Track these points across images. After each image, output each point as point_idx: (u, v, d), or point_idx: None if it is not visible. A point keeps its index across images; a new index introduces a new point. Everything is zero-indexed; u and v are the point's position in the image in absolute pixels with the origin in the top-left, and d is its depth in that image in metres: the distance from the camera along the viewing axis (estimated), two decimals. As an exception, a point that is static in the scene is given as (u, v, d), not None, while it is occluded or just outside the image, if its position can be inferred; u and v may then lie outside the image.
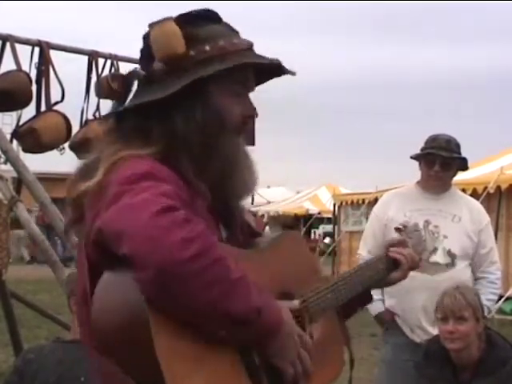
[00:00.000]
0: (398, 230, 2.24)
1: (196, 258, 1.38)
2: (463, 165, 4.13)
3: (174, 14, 1.71)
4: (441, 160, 4.01)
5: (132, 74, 1.69)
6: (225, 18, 1.71)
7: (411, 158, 4.14)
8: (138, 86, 1.67)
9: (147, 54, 1.66)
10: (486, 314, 3.85)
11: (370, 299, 2.11)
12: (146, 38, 1.67)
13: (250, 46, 1.68)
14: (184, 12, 1.67)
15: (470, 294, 3.43)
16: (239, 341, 1.49)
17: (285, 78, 1.76)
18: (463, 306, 3.35)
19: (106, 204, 1.46)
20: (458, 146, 4.08)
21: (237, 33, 1.69)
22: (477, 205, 4.32)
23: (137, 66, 1.74)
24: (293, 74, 1.73)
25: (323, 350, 1.75)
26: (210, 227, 1.55)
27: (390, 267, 2.06)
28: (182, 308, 1.41)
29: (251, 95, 1.72)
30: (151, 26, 1.63)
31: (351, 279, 1.90)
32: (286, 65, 1.71)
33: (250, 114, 1.71)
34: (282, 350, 1.53)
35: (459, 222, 4.08)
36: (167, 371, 1.37)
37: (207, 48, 1.62)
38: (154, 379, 1.38)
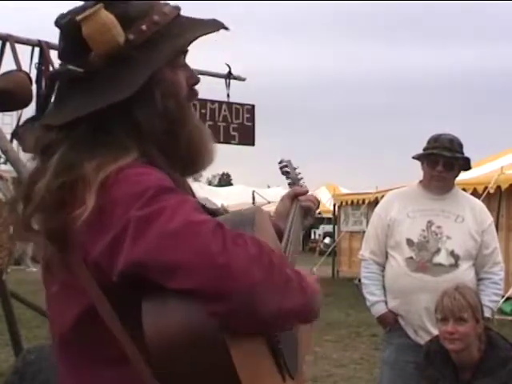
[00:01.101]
0: (284, 173, 2.20)
1: (266, 275, 1.33)
2: (466, 165, 4.11)
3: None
4: (444, 160, 3.99)
5: (64, 72, 1.51)
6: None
7: (413, 158, 4.12)
8: (71, 84, 1.51)
9: (79, 47, 1.49)
10: (488, 315, 3.86)
11: None
12: (73, 30, 1.49)
13: (179, 12, 1.57)
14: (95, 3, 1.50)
15: (469, 294, 3.43)
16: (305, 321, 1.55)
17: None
18: (463, 307, 3.34)
19: (134, 232, 1.31)
20: (460, 145, 4.05)
21: None
22: (480, 205, 4.29)
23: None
24: (227, 28, 1.61)
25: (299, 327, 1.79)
26: None
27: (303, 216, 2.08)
28: (258, 326, 1.37)
29: None
30: (82, 20, 1.46)
31: (294, 237, 1.90)
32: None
33: (196, 81, 1.62)
34: (317, 314, 1.55)
35: (462, 223, 4.07)
36: None
37: (144, 28, 1.50)
38: None
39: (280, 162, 2.19)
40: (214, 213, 1.63)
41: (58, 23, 1.55)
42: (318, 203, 2.12)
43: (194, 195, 1.65)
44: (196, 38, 1.54)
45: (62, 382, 1.56)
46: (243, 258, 1.30)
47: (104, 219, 1.36)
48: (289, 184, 2.16)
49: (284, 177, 2.18)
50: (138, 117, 1.50)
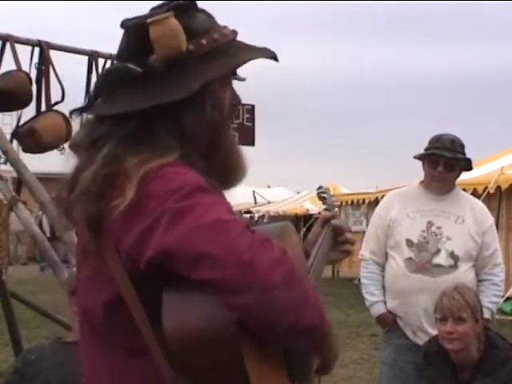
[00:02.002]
0: (321, 198, 2.24)
1: (286, 280, 1.40)
2: (467, 165, 4.10)
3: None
4: (444, 161, 3.98)
5: (123, 70, 1.59)
6: (225, 18, 1.72)
7: (415, 158, 4.11)
8: (126, 82, 1.59)
9: (143, 48, 1.58)
10: (488, 316, 3.85)
11: None
12: (140, 32, 1.59)
13: (235, 35, 1.68)
14: (175, 1, 1.62)
15: (468, 294, 3.42)
16: (316, 345, 1.56)
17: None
18: (462, 307, 3.34)
19: (167, 222, 1.41)
20: (462, 146, 4.04)
21: (215, 19, 1.69)
22: (480, 206, 4.28)
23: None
24: (277, 60, 1.72)
25: None
26: None
27: (334, 241, 2.07)
28: (273, 328, 1.42)
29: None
30: (152, 23, 1.57)
31: (320, 258, 1.93)
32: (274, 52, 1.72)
33: (238, 102, 1.73)
34: (336, 344, 1.62)
35: (462, 224, 4.06)
36: None
37: (204, 42, 1.61)
38: None
39: (318, 188, 2.25)
40: None
41: (123, 25, 1.65)
42: (347, 229, 2.12)
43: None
44: (248, 61, 1.66)
45: (87, 367, 1.65)
46: (267, 259, 1.38)
47: (139, 211, 1.44)
48: (324, 209, 2.21)
49: (321, 202, 2.23)
50: (185, 121, 1.59)
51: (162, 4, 1.64)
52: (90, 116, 1.66)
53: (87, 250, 1.57)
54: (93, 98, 1.66)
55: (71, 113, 1.75)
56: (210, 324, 1.39)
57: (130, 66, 1.59)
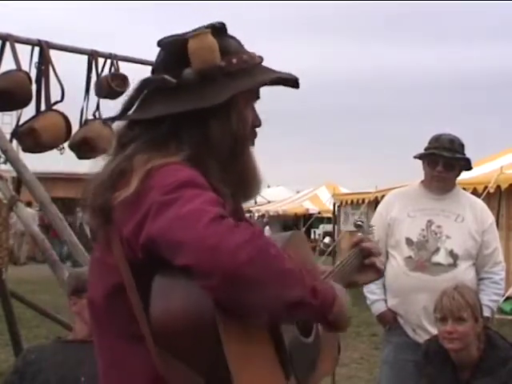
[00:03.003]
0: (357, 226, 2.29)
1: (255, 258, 1.47)
2: (467, 165, 4.11)
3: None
4: (444, 160, 3.99)
5: (159, 81, 1.73)
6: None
7: (415, 157, 4.11)
8: (159, 92, 1.73)
9: (179, 62, 1.73)
10: (488, 314, 3.85)
11: None
12: (180, 46, 1.73)
13: (262, 60, 1.82)
14: (210, 24, 1.76)
15: (468, 293, 3.42)
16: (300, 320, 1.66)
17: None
18: (462, 307, 3.34)
19: (153, 212, 1.53)
20: (461, 146, 4.05)
21: (243, 45, 1.84)
22: (481, 205, 4.28)
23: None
24: (297, 87, 1.87)
25: (326, 341, 1.90)
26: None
27: (361, 263, 2.12)
28: (249, 307, 1.51)
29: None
30: (192, 37, 1.71)
31: (336, 274, 1.98)
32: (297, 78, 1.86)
33: (259, 124, 1.84)
34: (336, 322, 1.64)
35: (462, 222, 4.06)
36: (237, 375, 1.51)
37: (234, 60, 1.75)
38: (220, 378, 1.51)
39: (358, 219, 2.34)
40: None
41: (161, 42, 1.79)
42: (379, 253, 2.18)
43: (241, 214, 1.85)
44: (272, 79, 1.80)
45: (95, 351, 1.76)
46: (233, 242, 1.46)
47: (139, 202, 1.57)
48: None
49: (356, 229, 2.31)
50: (211, 128, 1.72)
51: (197, 28, 1.77)
52: (122, 123, 1.79)
53: (96, 235, 1.72)
54: (127, 106, 1.78)
55: (105, 120, 1.86)
56: (191, 307, 1.50)
57: (166, 77, 1.72)
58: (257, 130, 1.85)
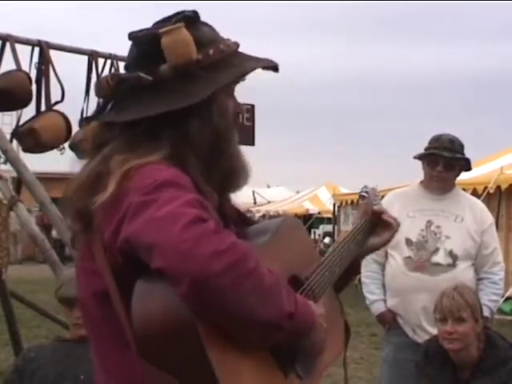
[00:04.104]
0: (362, 197, 2.26)
1: (228, 270, 1.40)
2: (467, 165, 4.11)
3: (171, 13, 1.73)
4: (443, 160, 4.00)
5: (134, 78, 1.66)
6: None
7: (414, 157, 4.12)
8: (136, 90, 1.66)
9: (153, 58, 1.65)
10: (488, 314, 3.86)
11: (358, 269, 2.19)
12: (152, 41, 1.65)
13: (238, 47, 1.76)
14: (182, 13, 1.68)
15: (468, 294, 3.42)
16: (273, 343, 1.54)
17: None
18: (462, 307, 3.34)
19: (130, 214, 1.48)
20: (461, 146, 4.06)
21: (217, 31, 1.77)
22: (480, 205, 4.29)
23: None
24: (277, 70, 1.79)
25: (328, 327, 1.79)
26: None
27: (369, 233, 2.13)
28: (217, 318, 1.45)
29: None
30: (165, 32, 1.64)
31: (341, 252, 1.95)
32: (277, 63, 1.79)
33: (240, 110, 1.81)
34: (313, 346, 1.61)
35: (462, 223, 4.07)
36: (221, 380, 1.44)
37: (211, 52, 1.68)
38: (202, 382, 1.45)
39: (363, 188, 2.27)
40: (253, 223, 1.86)
41: (132, 36, 1.71)
42: (398, 225, 2.16)
43: (225, 208, 1.77)
44: (252, 70, 1.73)
45: (92, 357, 1.71)
46: (209, 249, 1.40)
47: (117, 205, 1.51)
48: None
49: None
50: (191, 127, 1.65)
51: (168, 17, 1.71)
52: (97, 122, 1.71)
53: (75, 241, 1.67)
54: (103, 105, 1.73)
55: (81, 122, 1.82)
56: (166, 312, 1.44)
57: (141, 74, 1.64)
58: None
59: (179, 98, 1.64)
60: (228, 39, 1.75)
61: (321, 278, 1.80)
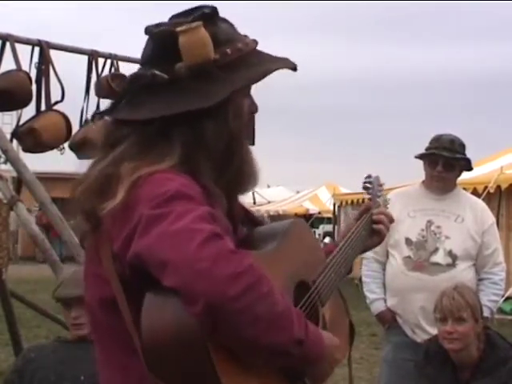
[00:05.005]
0: (366, 188, 2.22)
1: (243, 295, 1.37)
2: (467, 165, 4.11)
3: (173, 13, 1.70)
4: (443, 160, 3.99)
5: (148, 76, 1.62)
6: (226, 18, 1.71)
7: (415, 157, 4.12)
8: (151, 88, 1.62)
9: (170, 56, 1.61)
10: (487, 314, 3.85)
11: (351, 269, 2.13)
12: (169, 39, 1.61)
13: (256, 45, 1.71)
14: (200, 10, 1.64)
15: (468, 294, 3.42)
16: (281, 367, 1.53)
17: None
18: (462, 307, 3.34)
19: (142, 227, 1.43)
20: (462, 146, 4.05)
21: (236, 28, 1.72)
22: (481, 205, 4.29)
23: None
24: (296, 69, 1.75)
25: (335, 328, 1.80)
26: (229, 233, 1.56)
27: (370, 231, 2.09)
28: (227, 339, 1.42)
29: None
30: (182, 31, 1.60)
31: (346, 251, 1.93)
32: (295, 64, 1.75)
33: (256, 110, 1.75)
34: (322, 375, 1.61)
35: (462, 223, 4.07)
36: None
37: (228, 51, 1.64)
38: None
39: (367, 177, 2.20)
40: (259, 222, 1.82)
41: (148, 31, 1.67)
42: (390, 220, 2.12)
43: (233, 211, 1.72)
44: (273, 71, 1.67)
45: (97, 364, 1.68)
46: (227, 270, 1.36)
47: (127, 215, 1.47)
48: (368, 199, 2.17)
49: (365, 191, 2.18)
50: (206, 128, 1.61)
51: (186, 12, 1.67)
52: (110, 119, 1.69)
53: (83, 241, 1.64)
54: (116, 102, 1.68)
55: (94, 116, 1.78)
56: (178, 328, 1.40)
57: (157, 72, 1.61)
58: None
59: (196, 98, 1.60)
60: (246, 36, 1.70)
61: (327, 280, 1.78)
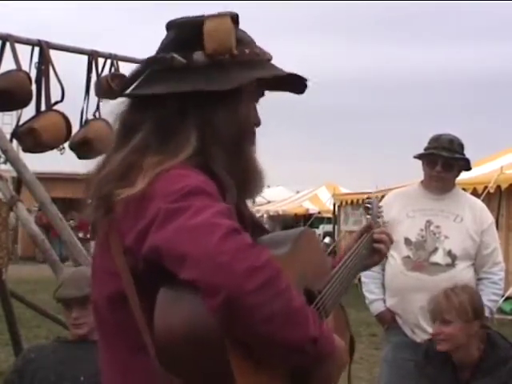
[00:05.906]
0: (366, 208, 2.27)
1: (262, 289, 1.38)
2: (466, 165, 4.11)
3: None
4: (442, 160, 4.00)
5: (167, 59, 1.63)
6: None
7: (414, 157, 4.12)
8: (166, 71, 1.64)
9: (190, 43, 1.63)
10: (487, 314, 3.85)
11: None
12: (193, 26, 1.64)
13: (271, 58, 1.75)
14: (226, 11, 1.68)
15: (456, 296, 3.39)
16: (292, 365, 1.53)
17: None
18: (444, 309, 3.35)
19: (160, 221, 1.43)
20: (461, 146, 4.05)
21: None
22: (480, 205, 4.29)
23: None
24: (302, 92, 1.82)
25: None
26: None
27: (371, 250, 2.13)
28: (243, 334, 1.41)
29: None
30: (209, 17, 1.63)
31: (349, 265, 1.94)
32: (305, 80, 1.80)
33: (258, 123, 1.76)
34: (329, 376, 1.60)
35: (461, 223, 4.07)
36: None
37: (247, 51, 1.67)
38: None
39: (367, 199, 2.29)
40: (267, 230, 1.82)
41: (171, 21, 1.69)
42: (391, 241, 2.16)
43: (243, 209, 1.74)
44: (281, 75, 1.72)
45: (100, 360, 1.67)
46: (246, 264, 1.37)
47: (142, 207, 1.48)
48: (368, 219, 2.22)
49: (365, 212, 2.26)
50: (218, 114, 1.64)
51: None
52: (124, 106, 1.69)
53: (96, 228, 1.63)
54: (129, 82, 1.69)
55: (104, 97, 1.78)
56: (194, 324, 1.40)
57: (176, 56, 1.62)
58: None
59: (206, 81, 1.62)
60: (264, 49, 1.74)
61: (332, 291, 1.79)
